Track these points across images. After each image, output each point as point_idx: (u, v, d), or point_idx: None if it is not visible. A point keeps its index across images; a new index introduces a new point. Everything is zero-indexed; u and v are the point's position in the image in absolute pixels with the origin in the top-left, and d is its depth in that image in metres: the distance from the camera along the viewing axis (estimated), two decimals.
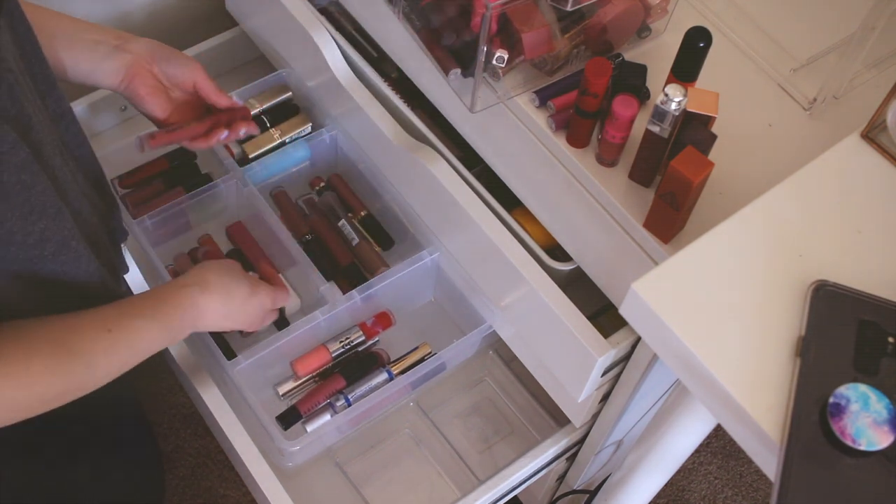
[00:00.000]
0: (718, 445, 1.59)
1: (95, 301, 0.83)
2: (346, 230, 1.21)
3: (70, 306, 0.81)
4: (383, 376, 1.12)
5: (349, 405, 1.10)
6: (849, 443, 0.61)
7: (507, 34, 0.88)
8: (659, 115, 0.78)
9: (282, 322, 1.11)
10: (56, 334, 0.78)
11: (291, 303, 1.16)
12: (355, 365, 1.14)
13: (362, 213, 1.24)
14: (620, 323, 0.90)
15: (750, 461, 1.56)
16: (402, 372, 1.13)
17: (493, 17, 0.83)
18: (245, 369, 1.05)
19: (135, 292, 1.11)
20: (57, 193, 0.77)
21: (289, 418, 1.11)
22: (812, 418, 0.62)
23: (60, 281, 0.80)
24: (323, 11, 1.19)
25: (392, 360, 1.17)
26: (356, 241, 1.20)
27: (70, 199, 0.81)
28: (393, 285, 1.12)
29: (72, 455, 1.04)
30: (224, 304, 0.92)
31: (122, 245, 1.05)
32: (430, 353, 1.16)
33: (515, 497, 1.30)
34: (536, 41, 0.88)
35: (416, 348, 1.17)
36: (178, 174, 1.21)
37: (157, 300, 0.87)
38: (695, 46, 0.80)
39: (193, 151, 1.21)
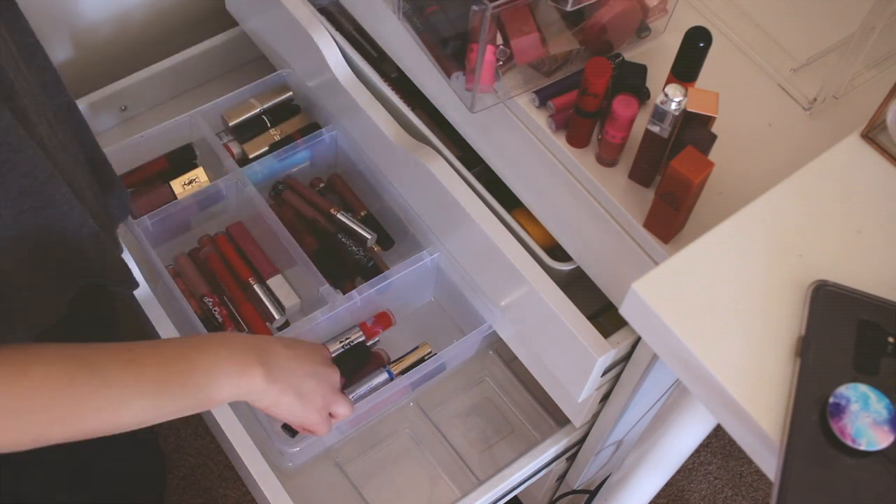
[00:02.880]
0: (718, 445, 1.59)
1: (92, 261, 0.79)
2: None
3: (66, 268, 0.77)
4: (383, 376, 1.12)
5: None
6: (849, 443, 0.61)
7: (503, 37, 0.89)
8: (659, 115, 0.78)
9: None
10: (72, 347, 0.70)
11: (291, 302, 1.16)
12: (353, 361, 1.14)
13: (362, 213, 1.24)
14: (620, 323, 0.90)
15: (750, 461, 1.56)
16: (402, 372, 1.13)
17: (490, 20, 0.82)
18: None
19: (134, 293, 1.11)
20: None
21: None
22: (812, 418, 0.62)
23: (53, 238, 0.75)
24: (323, 11, 1.19)
25: (392, 360, 1.17)
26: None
27: (60, 169, 0.78)
28: (393, 285, 1.12)
29: (72, 454, 1.04)
30: (289, 406, 0.84)
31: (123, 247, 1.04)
32: (430, 353, 1.16)
33: (515, 497, 1.30)
34: (525, 46, 0.88)
35: (416, 348, 1.17)
36: (177, 173, 1.21)
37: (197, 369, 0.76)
38: (695, 46, 0.80)
39: (193, 151, 1.21)
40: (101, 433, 0.71)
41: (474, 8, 0.82)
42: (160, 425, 1.48)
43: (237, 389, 0.79)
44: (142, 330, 1.14)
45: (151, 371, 0.73)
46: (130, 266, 1.07)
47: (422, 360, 1.14)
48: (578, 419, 1.04)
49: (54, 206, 0.75)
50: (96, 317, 0.97)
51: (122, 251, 1.01)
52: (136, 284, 0.91)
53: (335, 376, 0.92)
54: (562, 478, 1.27)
